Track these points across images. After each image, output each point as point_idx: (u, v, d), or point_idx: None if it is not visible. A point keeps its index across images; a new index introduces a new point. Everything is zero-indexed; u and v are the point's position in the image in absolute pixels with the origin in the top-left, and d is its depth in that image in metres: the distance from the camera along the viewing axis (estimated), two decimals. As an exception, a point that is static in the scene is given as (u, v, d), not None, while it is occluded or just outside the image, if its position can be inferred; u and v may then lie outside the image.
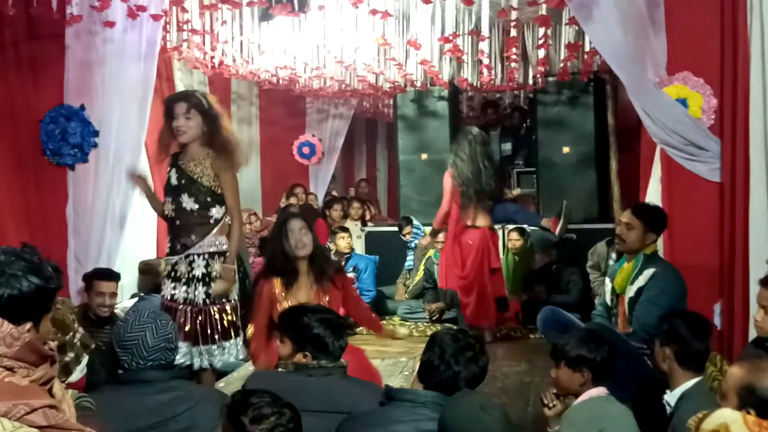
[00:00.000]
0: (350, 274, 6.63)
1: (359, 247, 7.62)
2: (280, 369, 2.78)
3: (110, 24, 4.65)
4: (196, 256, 3.86)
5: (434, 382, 2.35)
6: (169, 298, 3.90)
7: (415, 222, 7.43)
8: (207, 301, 3.85)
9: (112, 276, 4.39)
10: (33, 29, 4.76)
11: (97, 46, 4.76)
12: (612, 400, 2.79)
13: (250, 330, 3.84)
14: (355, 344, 4.95)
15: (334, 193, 9.73)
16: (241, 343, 3.95)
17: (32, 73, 4.80)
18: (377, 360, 4.10)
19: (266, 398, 2.13)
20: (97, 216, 4.83)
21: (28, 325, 1.80)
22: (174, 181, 3.91)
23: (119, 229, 4.89)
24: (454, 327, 4.89)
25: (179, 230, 3.91)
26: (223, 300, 3.88)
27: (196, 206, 3.85)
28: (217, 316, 3.86)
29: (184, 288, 3.86)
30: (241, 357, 4.06)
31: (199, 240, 3.85)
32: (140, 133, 4.90)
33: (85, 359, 3.28)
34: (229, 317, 3.90)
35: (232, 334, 3.91)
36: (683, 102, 4.22)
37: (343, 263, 6.66)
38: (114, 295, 4.35)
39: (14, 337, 1.71)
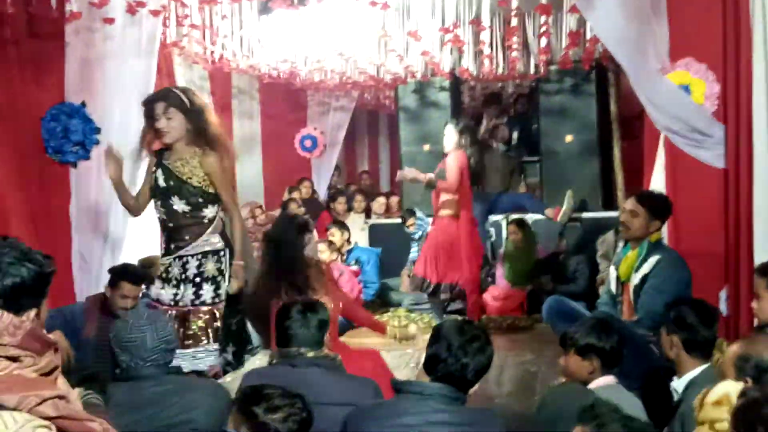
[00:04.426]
0: (353, 267, 6.63)
1: (363, 240, 7.62)
2: (271, 361, 2.87)
3: (110, 20, 4.64)
4: (189, 257, 3.76)
5: (441, 374, 2.34)
6: (155, 299, 3.80)
7: (419, 213, 7.41)
8: (195, 302, 3.75)
9: (140, 279, 4.09)
10: (32, 27, 4.74)
11: (96, 42, 4.75)
12: (621, 389, 2.79)
13: None
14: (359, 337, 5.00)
15: (339, 186, 9.72)
16: (215, 347, 3.80)
17: (33, 71, 4.79)
18: (383, 352, 4.09)
19: (278, 390, 2.17)
20: (101, 213, 4.82)
21: (32, 313, 1.83)
22: (162, 182, 3.80)
23: (123, 226, 4.88)
24: (459, 318, 4.89)
25: (172, 232, 3.83)
26: (212, 302, 3.76)
27: (188, 208, 3.75)
28: (204, 319, 3.74)
29: (173, 290, 3.75)
30: (213, 361, 3.85)
31: (193, 241, 3.76)
32: (141, 129, 4.88)
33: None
34: (205, 322, 3.76)
35: (212, 338, 3.78)
36: (686, 88, 4.20)
37: (343, 257, 6.67)
38: (137, 297, 4.07)
39: (16, 326, 1.72)
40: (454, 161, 5.71)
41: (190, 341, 3.71)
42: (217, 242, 3.81)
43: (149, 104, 3.78)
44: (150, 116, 3.76)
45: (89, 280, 4.82)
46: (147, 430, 2.37)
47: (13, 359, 1.71)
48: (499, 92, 9.16)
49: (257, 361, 4.36)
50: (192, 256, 3.77)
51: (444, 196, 5.73)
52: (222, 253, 3.84)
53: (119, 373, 2.58)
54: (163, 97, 3.77)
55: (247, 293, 3.99)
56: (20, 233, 4.26)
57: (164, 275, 3.80)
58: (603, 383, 2.81)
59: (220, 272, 3.82)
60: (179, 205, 3.75)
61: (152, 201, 3.97)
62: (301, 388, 2.44)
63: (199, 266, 3.76)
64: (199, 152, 3.74)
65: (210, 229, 3.80)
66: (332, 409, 2.51)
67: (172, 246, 3.82)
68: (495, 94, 9.00)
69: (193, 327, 3.72)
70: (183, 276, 3.76)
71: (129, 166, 4.33)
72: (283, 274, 3.87)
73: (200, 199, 3.75)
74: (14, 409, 1.62)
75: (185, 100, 3.76)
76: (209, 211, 3.79)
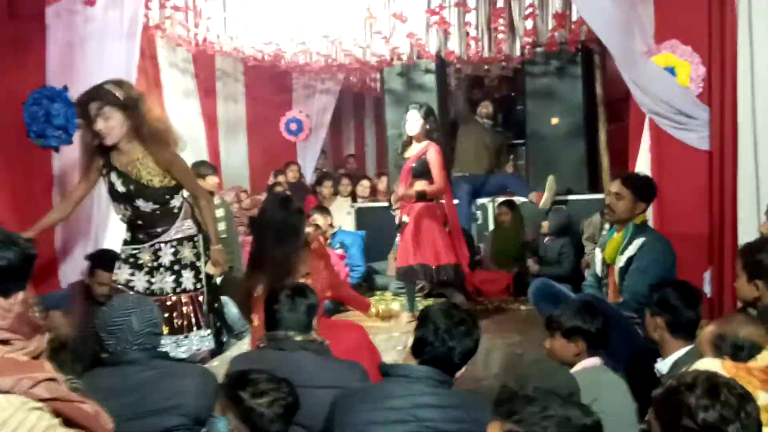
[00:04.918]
0: (338, 251, 6.62)
1: (349, 224, 7.60)
2: (258, 344, 2.86)
3: (91, 2, 4.57)
4: (162, 245, 3.69)
5: (428, 357, 2.35)
6: (123, 283, 3.67)
7: (406, 197, 7.41)
8: (177, 289, 3.69)
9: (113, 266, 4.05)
10: (12, 9, 4.67)
11: (78, 25, 4.68)
12: (606, 370, 2.82)
13: (256, 320, 3.65)
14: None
15: (325, 169, 9.70)
16: (207, 333, 3.77)
17: (13, 55, 4.71)
18: (370, 335, 4.09)
19: (264, 375, 2.17)
20: (84, 199, 4.78)
21: (20, 296, 1.85)
22: (121, 187, 3.65)
23: (106, 212, 4.84)
24: (445, 301, 4.90)
25: (141, 225, 3.74)
26: (194, 289, 3.72)
27: (156, 206, 3.66)
28: (188, 307, 3.70)
29: (146, 278, 3.67)
30: (208, 346, 3.86)
31: (166, 230, 3.69)
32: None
33: None
34: (193, 307, 3.73)
35: (201, 323, 3.75)
36: (671, 71, 4.22)
37: (328, 241, 6.64)
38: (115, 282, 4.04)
39: (6, 310, 1.75)
40: (435, 162, 5.42)
41: (176, 329, 3.66)
42: (189, 228, 3.75)
43: (83, 105, 3.55)
44: (85, 117, 3.55)
45: (73, 267, 4.77)
46: (132, 415, 2.36)
47: (4, 342, 1.72)
48: (483, 75, 9.14)
49: (244, 345, 4.37)
50: (165, 243, 3.69)
51: (419, 185, 5.49)
52: (196, 238, 3.78)
53: (105, 357, 2.56)
54: (97, 96, 3.53)
55: (235, 277, 3.98)
56: (2, 218, 4.21)
57: (131, 260, 3.70)
58: (589, 365, 2.84)
59: (198, 257, 3.78)
60: (146, 206, 3.65)
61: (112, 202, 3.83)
62: (289, 372, 2.45)
63: (175, 253, 3.69)
64: (151, 150, 3.58)
65: (181, 216, 3.75)
66: (320, 392, 2.52)
67: (141, 236, 3.72)
68: (478, 77, 8.99)
69: (176, 314, 3.67)
70: (156, 263, 3.68)
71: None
72: (271, 255, 3.86)
73: (166, 195, 3.66)
74: (8, 392, 1.63)
75: (120, 94, 3.54)
76: (176, 201, 3.72)
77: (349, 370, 2.74)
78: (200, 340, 3.73)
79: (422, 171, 5.46)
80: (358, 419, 2.30)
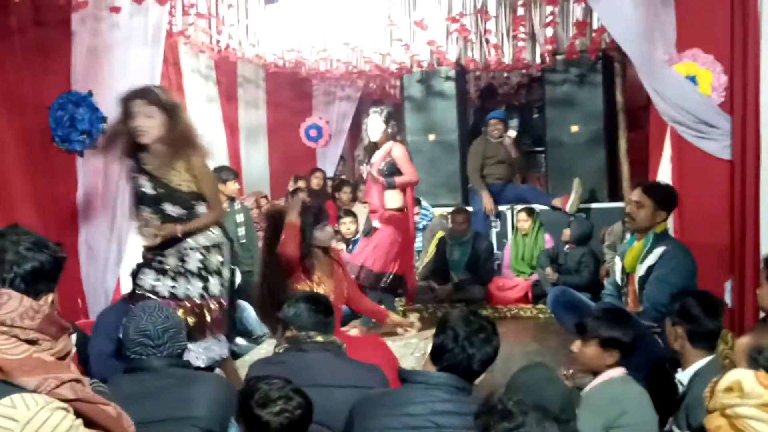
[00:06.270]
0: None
1: (368, 230, 7.61)
2: (276, 349, 2.89)
3: (116, 9, 4.64)
4: (189, 250, 3.69)
5: (447, 364, 2.35)
6: (148, 289, 3.65)
7: (424, 203, 7.42)
8: (205, 296, 3.69)
9: None
10: (39, 16, 4.74)
11: (103, 31, 4.75)
12: (631, 381, 2.80)
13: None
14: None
15: (343, 176, 9.73)
16: (224, 339, 3.80)
17: (40, 60, 4.79)
18: (388, 341, 4.10)
19: (277, 384, 2.15)
20: (107, 201, 4.84)
21: (50, 297, 1.91)
22: (150, 190, 3.66)
23: (129, 214, 4.90)
24: (465, 308, 4.90)
25: None
26: (220, 294, 3.73)
27: (183, 211, 3.66)
28: (214, 313, 3.71)
29: (171, 283, 3.66)
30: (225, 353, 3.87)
31: (195, 235, 3.68)
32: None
33: None
34: (220, 312, 3.75)
35: (224, 329, 3.78)
36: (693, 79, 4.19)
37: (349, 246, 6.67)
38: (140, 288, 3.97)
39: (35, 311, 1.78)
40: (402, 154, 5.53)
41: (201, 334, 3.67)
42: (216, 235, 3.76)
43: (128, 101, 3.61)
44: (127, 113, 3.59)
45: (96, 269, 4.85)
46: (144, 422, 2.37)
47: (32, 342, 1.76)
48: (496, 85, 9.14)
49: (261, 350, 4.40)
50: (192, 249, 3.70)
51: (390, 194, 5.53)
52: (222, 245, 3.79)
53: (127, 364, 2.59)
54: (144, 94, 3.61)
55: (254, 282, 4.00)
56: (28, 222, 4.26)
57: (156, 265, 3.69)
58: (615, 375, 2.82)
59: (223, 264, 3.79)
60: (173, 210, 3.66)
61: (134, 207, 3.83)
62: (310, 372, 2.47)
63: (203, 260, 3.71)
64: (183, 158, 3.63)
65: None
66: (340, 391, 2.55)
67: (169, 240, 3.69)
68: (490, 87, 8.99)
69: (203, 320, 3.67)
70: (182, 268, 3.68)
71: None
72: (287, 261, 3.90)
73: (192, 201, 3.68)
74: (33, 391, 1.67)
75: (164, 96, 3.64)
76: (202, 208, 3.72)
77: (369, 371, 2.75)
78: (221, 345, 3.74)
79: (391, 171, 5.52)
80: (376, 425, 2.30)
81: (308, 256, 4.04)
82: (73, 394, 1.73)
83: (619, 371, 2.84)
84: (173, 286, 3.65)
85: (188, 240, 3.67)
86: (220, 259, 3.77)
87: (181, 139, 3.62)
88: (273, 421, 2.07)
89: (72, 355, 1.90)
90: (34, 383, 1.68)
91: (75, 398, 1.73)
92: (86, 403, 1.76)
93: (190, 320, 3.60)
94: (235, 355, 4.32)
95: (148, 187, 3.66)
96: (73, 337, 2.36)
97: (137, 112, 3.55)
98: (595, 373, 2.87)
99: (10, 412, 1.62)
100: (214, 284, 3.73)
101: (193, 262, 3.68)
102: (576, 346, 2.93)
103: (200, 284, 3.68)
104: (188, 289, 3.67)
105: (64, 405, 1.70)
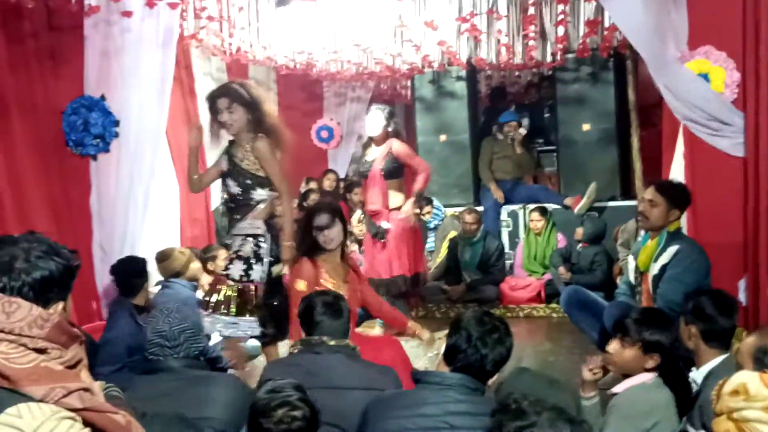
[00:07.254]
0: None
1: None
2: (291, 350, 2.91)
3: (128, 14, 4.67)
4: (241, 238, 3.99)
5: (461, 365, 2.35)
6: (224, 274, 4.05)
7: (435, 202, 7.42)
8: (244, 278, 3.96)
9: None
10: (52, 21, 4.79)
11: (115, 36, 4.79)
12: (662, 386, 2.79)
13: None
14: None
15: (355, 177, 9.73)
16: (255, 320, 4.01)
17: (52, 65, 4.84)
18: (402, 341, 4.10)
19: (284, 393, 2.13)
20: (121, 205, 4.87)
21: (60, 306, 1.88)
22: (224, 166, 4.06)
23: (142, 218, 4.93)
24: (477, 308, 4.89)
25: (230, 212, 4.08)
26: (259, 280, 3.99)
27: (239, 189, 3.99)
28: (250, 294, 3.96)
29: (243, 266, 3.98)
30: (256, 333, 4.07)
31: (242, 221, 3.99)
32: (160, 121, 4.93)
33: None
34: (255, 294, 4.00)
35: (254, 312, 3.99)
36: (705, 77, 4.17)
37: (361, 248, 6.67)
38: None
39: (44, 319, 1.75)
40: (405, 151, 5.47)
41: (235, 311, 3.93)
42: (258, 228, 3.99)
43: (213, 99, 4.01)
44: (213, 110, 4.00)
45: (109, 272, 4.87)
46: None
47: (41, 351, 1.74)
48: (505, 85, 9.12)
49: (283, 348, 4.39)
50: (239, 236, 4.00)
51: (393, 194, 5.49)
52: (262, 238, 4.01)
53: (147, 365, 2.61)
54: (226, 92, 3.99)
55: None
56: (41, 225, 4.32)
57: (233, 252, 4.04)
58: (648, 380, 2.81)
59: (256, 255, 4.01)
60: (233, 187, 4.01)
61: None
62: (323, 373, 2.47)
63: (256, 245, 3.98)
64: (252, 137, 3.96)
65: (255, 212, 3.99)
66: (353, 393, 2.56)
67: (230, 224, 4.09)
68: (500, 87, 8.97)
69: (242, 299, 3.94)
70: (236, 254, 4.00)
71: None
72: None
73: (248, 181, 3.98)
74: (40, 401, 1.66)
75: (244, 93, 3.98)
76: (257, 194, 3.99)
77: (381, 373, 2.76)
78: (251, 326, 3.95)
79: (394, 168, 5.45)
80: (390, 426, 2.30)
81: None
82: (81, 403, 1.70)
83: (652, 375, 2.81)
84: (245, 269, 3.96)
85: (236, 228, 4.01)
86: (255, 249, 4.00)
87: (263, 128, 3.97)
88: (273, 429, 2.07)
89: (84, 363, 1.89)
90: (41, 393, 1.66)
91: (83, 407, 1.70)
92: (94, 412, 1.73)
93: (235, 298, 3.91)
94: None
95: (224, 164, 4.06)
96: None
97: (221, 108, 3.95)
98: (625, 375, 2.84)
99: (16, 422, 1.60)
100: (256, 270, 3.99)
101: (248, 245, 3.98)
102: (612, 347, 2.88)
103: (243, 267, 3.96)
104: (234, 271, 3.97)
105: (72, 414, 1.67)
